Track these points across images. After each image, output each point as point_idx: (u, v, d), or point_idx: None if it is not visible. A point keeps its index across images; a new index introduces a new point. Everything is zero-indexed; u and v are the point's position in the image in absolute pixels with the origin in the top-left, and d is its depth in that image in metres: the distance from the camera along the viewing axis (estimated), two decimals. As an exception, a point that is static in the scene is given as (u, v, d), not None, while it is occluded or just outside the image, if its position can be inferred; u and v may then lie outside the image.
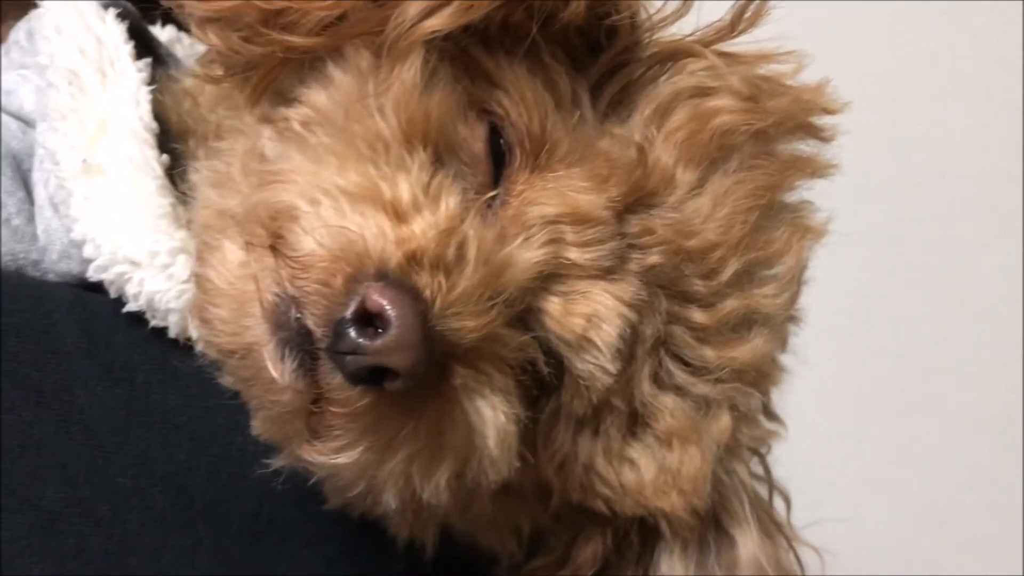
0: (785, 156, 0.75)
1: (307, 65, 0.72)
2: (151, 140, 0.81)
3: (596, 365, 0.69)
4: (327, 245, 0.62)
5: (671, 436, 0.74)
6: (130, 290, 0.77)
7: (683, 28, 0.74)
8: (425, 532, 0.79)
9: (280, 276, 0.63)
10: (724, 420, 0.75)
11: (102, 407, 0.76)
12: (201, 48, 0.91)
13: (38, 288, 0.79)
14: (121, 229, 0.77)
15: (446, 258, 0.63)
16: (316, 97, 0.71)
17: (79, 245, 0.78)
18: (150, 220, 0.78)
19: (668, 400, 0.73)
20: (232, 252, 0.67)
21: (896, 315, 1.74)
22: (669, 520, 0.77)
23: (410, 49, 0.67)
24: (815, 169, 0.76)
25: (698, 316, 0.72)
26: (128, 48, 0.85)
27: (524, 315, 0.68)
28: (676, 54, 0.74)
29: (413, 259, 0.62)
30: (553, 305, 0.69)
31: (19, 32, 0.90)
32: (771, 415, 0.83)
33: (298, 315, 0.62)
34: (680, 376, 0.73)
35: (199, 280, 0.70)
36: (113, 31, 0.86)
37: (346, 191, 0.64)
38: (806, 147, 0.76)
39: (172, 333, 0.79)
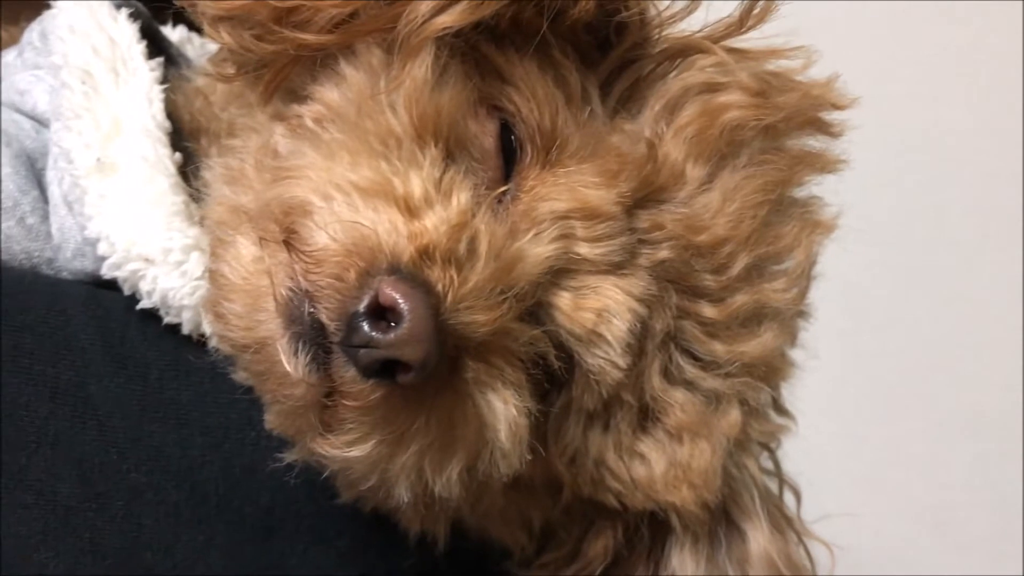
0: (794, 151, 0.75)
1: (319, 63, 0.73)
2: (164, 138, 0.82)
3: (606, 359, 0.70)
4: (340, 240, 0.63)
5: (681, 430, 0.74)
6: (144, 287, 0.78)
7: (692, 24, 0.75)
8: (437, 526, 0.79)
9: (294, 271, 0.64)
10: (734, 414, 0.75)
11: (116, 403, 0.77)
12: (212, 48, 0.92)
13: (53, 286, 0.80)
14: (135, 226, 0.78)
15: (458, 253, 0.63)
16: (328, 94, 0.72)
17: (93, 243, 0.79)
18: (164, 217, 0.79)
19: (678, 394, 0.74)
20: (246, 248, 0.67)
21: (906, 311, 1.74)
22: (679, 514, 0.78)
23: (421, 46, 0.67)
24: (824, 164, 0.77)
25: (708, 311, 0.72)
26: (140, 47, 0.86)
27: (535, 310, 0.69)
28: (685, 50, 0.74)
29: (425, 254, 0.63)
30: (563, 300, 0.69)
31: (32, 33, 0.91)
32: (781, 409, 0.83)
33: (311, 309, 0.63)
34: (690, 370, 0.74)
35: (213, 275, 0.70)
36: (125, 31, 0.87)
37: (359, 186, 0.65)
38: (815, 142, 0.77)
39: (185, 329, 0.79)
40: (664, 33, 0.75)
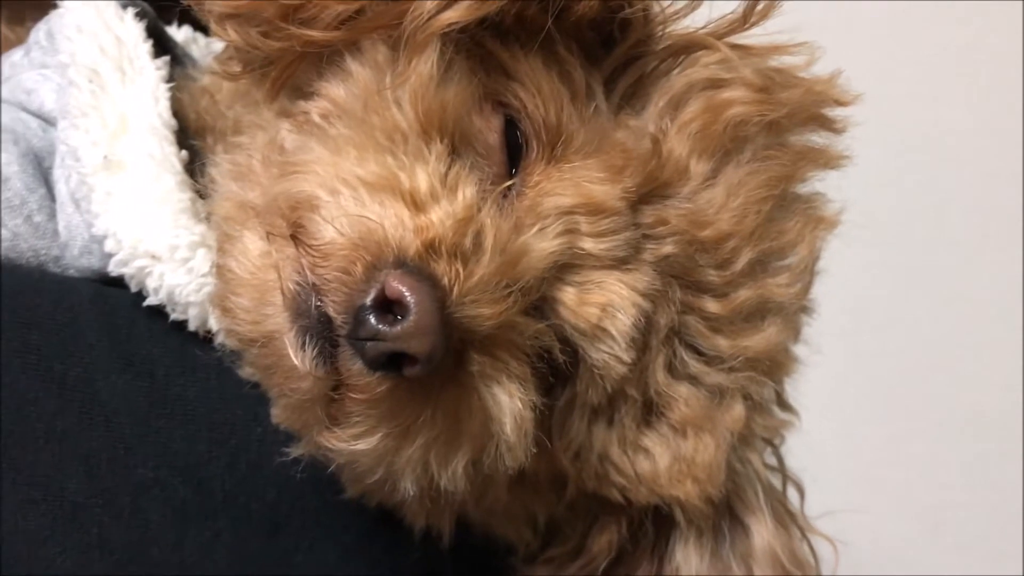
0: (798, 147, 0.76)
1: (325, 59, 0.73)
2: (170, 136, 0.82)
3: (611, 354, 0.70)
4: (347, 234, 0.63)
5: (685, 425, 0.74)
6: (150, 284, 0.78)
7: (696, 21, 0.75)
8: (442, 520, 0.79)
9: (301, 265, 0.64)
10: (738, 409, 0.75)
11: (124, 399, 0.77)
12: (217, 48, 0.93)
13: (60, 283, 0.80)
14: (142, 224, 0.78)
15: (463, 247, 0.64)
16: (334, 90, 0.72)
17: (100, 240, 0.79)
18: (170, 215, 0.79)
19: (682, 389, 0.74)
20: (253, 242, 0.68)
21: (907, 309, 1.75)
22: (684, 509, 0.78)
23: (427, 42, 0.68)
24: (827, 160, 0.77)
25: (712, 306, 0.73)
26: (147, 47, 0.87)
27: (539, 304, 0.69)
28: (689, 47, 0.74)
29: (431, 247, 0.63)
30: (568, 295, 0.69)
31: (39, 33, 0.91)
32: (784, 405, 0.83)
33: (318, 303, 0.63)
34: (694, 365, 0.74)
35: (220, 270, 0.71)
36: (132, 30, 0.87)
37: (365, 181, 0.65)
38: (818, 138, 0.77)
39: (192, 326, 0.80)
40: (668, 30, 0.75)
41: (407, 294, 0.60)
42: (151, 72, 0.85)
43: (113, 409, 0.77)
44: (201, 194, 0.81)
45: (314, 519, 0.81)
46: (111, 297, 0.80)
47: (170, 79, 0.86)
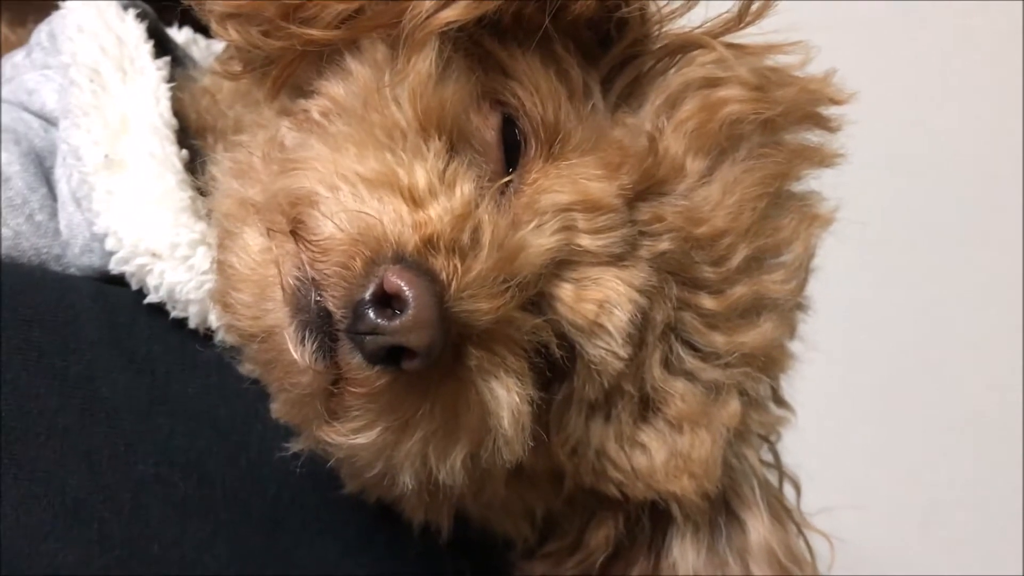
0: (793, 145, 0.76)
1: (325, 58, 0.74)
2: (171, 136, 0.83)
3: (607, 350, 0.70)
4: (346, 229, 0.64)
5: (682, 420, 0.75)
6: (151, 282, 0.79)
7: (692, 21, 0.76)
8: (440, 515, 0.80)
9: (300, 260, 0.65)
10: (734, 405, 0.76)
11: (125, 396, 0.78)
12: (217, 49, 0.94)
13: (61, 281, 0.81)
14: (143, 222, 0.79)
15: (461, 242, 0.64)
16: (334, 88, 0.73)
17: (101, 239, 0.80)
18: (171, 213, 0.80)
19: (678, 385, 0.74)
20: (253, 238, 0.69)
21: (907, 304, 1.75)
22: (680, 504, 0.78)
23: (425, 40, 0.68)
24: (822, 158, 0.77)
25: (707, 302, 0.73)
26: (148, 47, 0.88)
27: (537, 300, 0.69)
28: (685, 46, 0.75)
29: (429, 243, 0.64)
30: (565, 291, 0.70)
31: (41, 34, 0.92)
32: (780, 401, 0.83)
33: (318, 297, 0.64)
34: (690, 361, 0.74)
35: (221, 266, 0.71)
36: (133, 30, 0.88)
37: (364, 177, 0.66)
38: (813, 137, 0.77)
39: (192, 323, 0.81)
40: (664, 29, 0.75)
41: (406, 288, 0.61)
42: (152, 72, 0.86)
43: (114, 406, 0.77)
44: (201, 192, 0.81)
45: (314, 515, 0.82)
46: (112, 295, 0.80)
47: (171, 79, 0.87)
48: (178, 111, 0.86)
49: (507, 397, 0.67)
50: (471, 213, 0.66)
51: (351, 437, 0.66)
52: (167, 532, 0.76)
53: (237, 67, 0.78)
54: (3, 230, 0.81)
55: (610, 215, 0.70)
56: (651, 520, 0.82)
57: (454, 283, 0.63)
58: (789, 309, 0.79)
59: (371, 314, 0.61)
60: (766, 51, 0.76)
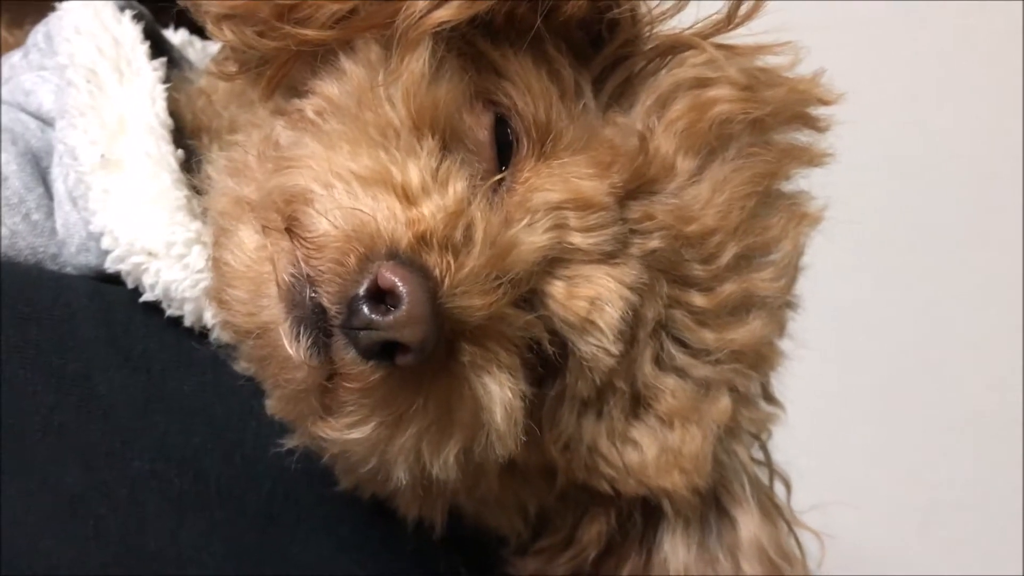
0: (782, 145, 0.77)
1: (319, 58, 0.74)
2: (167, 136, 0.84)
3: (599, 347, 0.71)
4: (341, 226, 0.65)
5: (672, 416, 0.76)
6: (147, 280, 0.79)
7: (683, 21, 0.76)
8: (434, 511, 0.80)
9: (295, 257, 0.66)
10: (724, 401, 0.76)
11: (121, 393, 0.78)
12: (213, 51, 0.94)
13: (58, 280, 0.81)
14: (139, 221, 0.80)
15: (454, 239, 0.65)
16: (328, 88, 0.74)
17: (97, 238, 0.80)
18: (167, 212, 0.80)
19: (669, 381, 0.75)
20: (249, 236, 0.69)
21: (907, 304, 1.76)
22: (671, 499, 0.79)
23: (419, 40, 0.69)
24: (811, 158, 0.78)
25: (698, 299, 0.74)
26: (144, 48, 0.88)
27: (529, 298, 0.70)
28: (676, 47, 0.76)
29: (423, 240, 0.64)
30: (557, 288, 0.70)
31: (37, 35, 0.92)
32: (770, 398, 0.84)
33: (313, 293, 0.65)
34: (681, 358, 0.75)
35: (217, 264, 0.72)
36: (129, 31, 0.89)
37: (358, 175, 0.66)
38: (802, 136, 0.78)
39: (187, 322, 0.81)
40: (655, 30, 0.76)
41: (399, 284, 0.62)
42: (148, 73, 0.86)
43: (110, 403, 0.77)
44: (197, 191, 0.82)
45: (309, 511, 0.82)
46: (108, 293, 0.81)
47: (167, 80, 0.87)
48: (174, 112, 0.86)
49: (500, 392, 0.67)
50: (464, 210, 0.67)
51: (345, 432, 0.67)
52: (163, 528, 0.77)
53: (232, 68, 0.79)
54: (0, 229, 0.81)
55: (601, 213, 0.71)
56: (643, 516, 0.83)
57: (447, 279, 0.64)
58: (778, 307, 0.79)
59: (365, 309, 0.62)
60: (756, 52, 0.77)
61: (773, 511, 0.85)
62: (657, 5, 0.76)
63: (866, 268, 1.68)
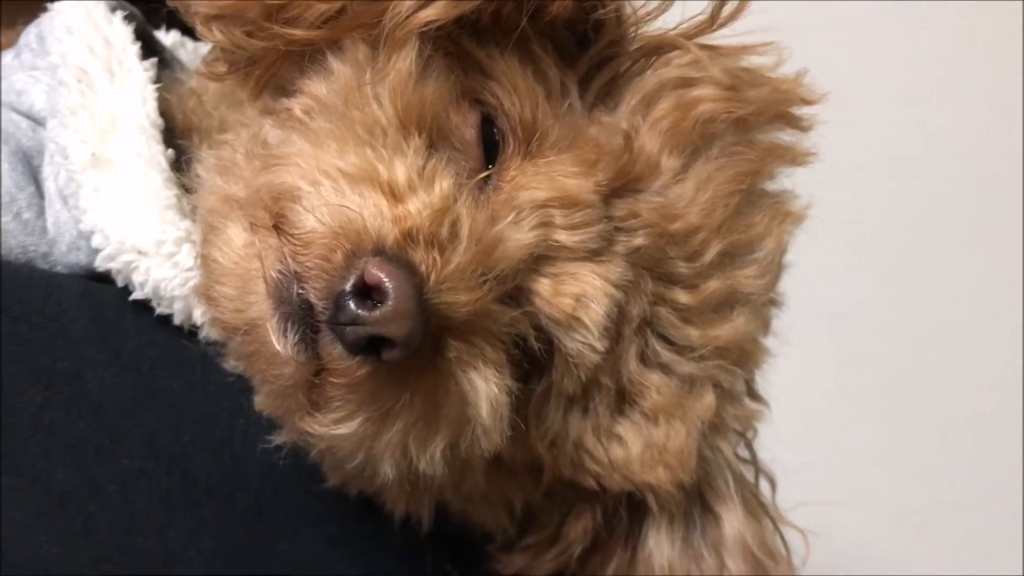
0: (765, 144, 0.78)
1: (307, 58, 0.75)
2: (158, 135, 0.84)
3: (584, 343, 0.72)
4: (327, 223, 0.65)
5: (657, 412, 0.76)
6: (137, 278, 0.80)
7: (668, 22, 0.77)
8: (421, 506, 0.81)
9: (283, 254, 0.66)
10: (708, 397, 0.77)
11: (111, 391, 0.79)
12: (204, 51, 0.95)
13: (48, 279, 0.82)
14: (129, 220, 0.80)
15: (440, 236, 0.66)
16: (316, 87, 0.74)
17: (87, 236, 0.81)
18: (157, 211, 0.81)
19: (654, 377, 0.76)
20: (237, 233, 0.70)
21: (906, 304, 1.76)
22: (656, 494, 0.80)
23: (405, 39, 0.70)
24: (794, 157, 0.79)
25: (682, 297, 0.75)
26: (135, 48, 0.89)
27: (515, 295, 0.71)
28: (661, 47, 0.77)
29: (409, 236, 0.65)
30: (543, 285, 0.71)
31: (30, 35, 0.93)
32: (755, 395, 0.85)
33: (300, 290, 0.65)
34: (665, 355, 0.76)
35: (205, 261, 0.72)
36: (120, 32, 0.89)
37: (345, 173, 0.67)
38: (786, 136, 0.79)
39: (177, 320, 0.81)
40: (640, 31, 0.77)
41: (385, 280, 0.62)
42: (139, 73, 0.87)
43: (100, 401, 0.78)
44: (187, 190, 0.82)
45: (297, 508, 0.82)
46: (98, 292, 0.81)
47: (157, 80, 0.88)
48: (165, 111, 0.87)
49: (485, 387, 0.68)
50: (450, 208, 0.67)
51: (332, 428, 0.68)
52: (152, 526, 0.77)
53: (222, 68, 0.79)
54: (-9, 228, 0.82)
55: (586, 211, 0.71)
56: (628, 513, 0.83)
57: (433, 275, 0.64)
58: (762, 304, 0.80)
59: (351, 305, 0.63)
60: (740, 52, 0.78)
61: (758, 508, 0.86)
62: (642, 6, 0.77)
63: (866, 268, 1.68)
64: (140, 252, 0.80)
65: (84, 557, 0.74)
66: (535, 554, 0.85)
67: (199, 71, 0.87)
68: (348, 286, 0.63)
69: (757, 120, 0.77)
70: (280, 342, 0.65)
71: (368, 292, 0.63)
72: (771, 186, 0.80)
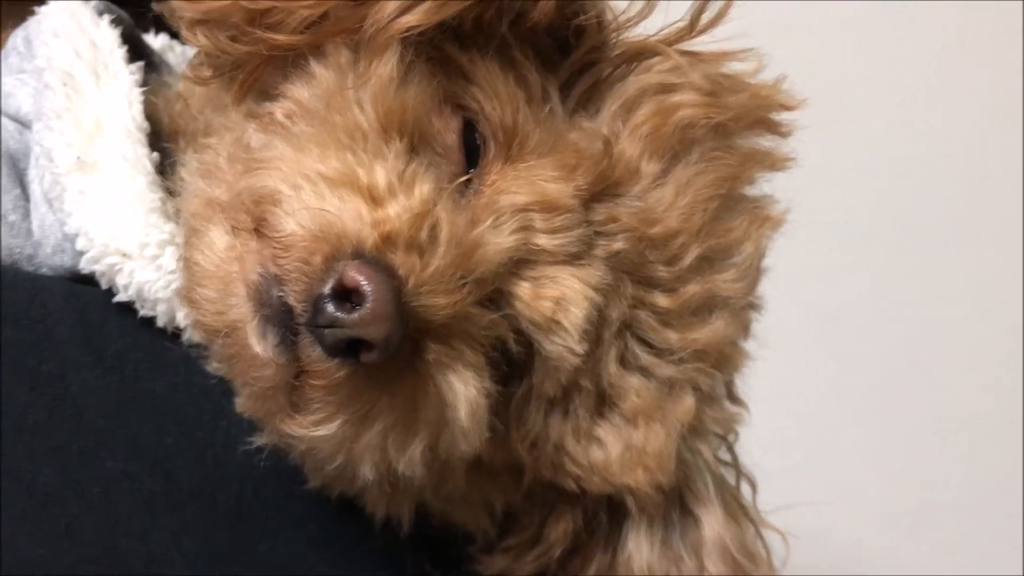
0: (744, 149, 0.78)
1: (290, 63, 0.76)
2: (143, 139, 0.84)
3: (564, 347, 0.72)
4: (307, 226, 0.66)
5: (637, 415, 0.77)
6: (120, 281, 0.80)
7: (649, 28, 0.78)
8: (401, 508, 0.81)
9: (263, 257, 0.67)
10: (687, 400, 0.77)
11: (95, 393, 0.79)
12: (192, 54, 0.95)
13: (33, 281, 0.82)
14: (114, 222, 0.80)
15: (419, 239, 0.66)
16: (299, 91, 0.75)
17: (72, 239, 0.81)
18: (141, 214, 0.81)
19: (634, 380, 0.76)
20: (218, 236, 0.70)
21: (904, 304, 1.76)
22: (635, 496, 0.80)
23: (387, 44, 0.70)
24: (773, 162, 0.80)
25: (661, 300, 0.75)
26: (122, 52, 0.89)
27: (495, 298, 0.71)
28: (641, 53, 0.77)
29: (388, 240, 0.65)
30: (523, 289, 0.72)
31: (16, 39, 0.93)
32: (734, 399, 0.85)
33: (280, 292, 0.66)
34: (645, 358, 0.76)
35: (187, 264, 0.73)
36: (107, 35, 0.89)
37: (326, 176, 0.68)
38: (765, 141, 0.80)
39: (160, 322, 0.82)
40: (621, 37, 0.78)
41: (364, 283, 0.63)
42: (125, 77, 0.87)
43: (84, 403, 0.78)
44: (171, 194, 0.83)
45: (279, 510, 0.83)
46: (83, 294, 0.82)
47: (144, 84, 0.88)
48: (151, 115, 0.87)
49: (464, 390, 0.68)
50: (429, 211, 0.68)
51: (312, 429, 0.68)
52: (135, 528, 0.77)
53: (207, 72, 0.80)
54: (-23, 232, 0.82)
55: (566, 215, 0.72)
56: (608, 515, 0.83)
57: (412, 279, 0.65)
58: (741, 308, 0.80)
59: (330, 308, 0.63)
60: (720, 58, 0.78)
61: (738, 510, 0.86)
62: (623, 12, 0.77)
63: (859, 268, 1.68)
64: (124, 255, 0.80)
65: (67, 558, 0.75)
66: (516, 555, 0.85)
67: (185, 75, 0.87)
68: (327, 289, 0.63)
69: (736, 125, 0.77)
70: (260, 344, 0.66)
71: (347, 295, 0.63)
72: (750, 191, 0.80)
